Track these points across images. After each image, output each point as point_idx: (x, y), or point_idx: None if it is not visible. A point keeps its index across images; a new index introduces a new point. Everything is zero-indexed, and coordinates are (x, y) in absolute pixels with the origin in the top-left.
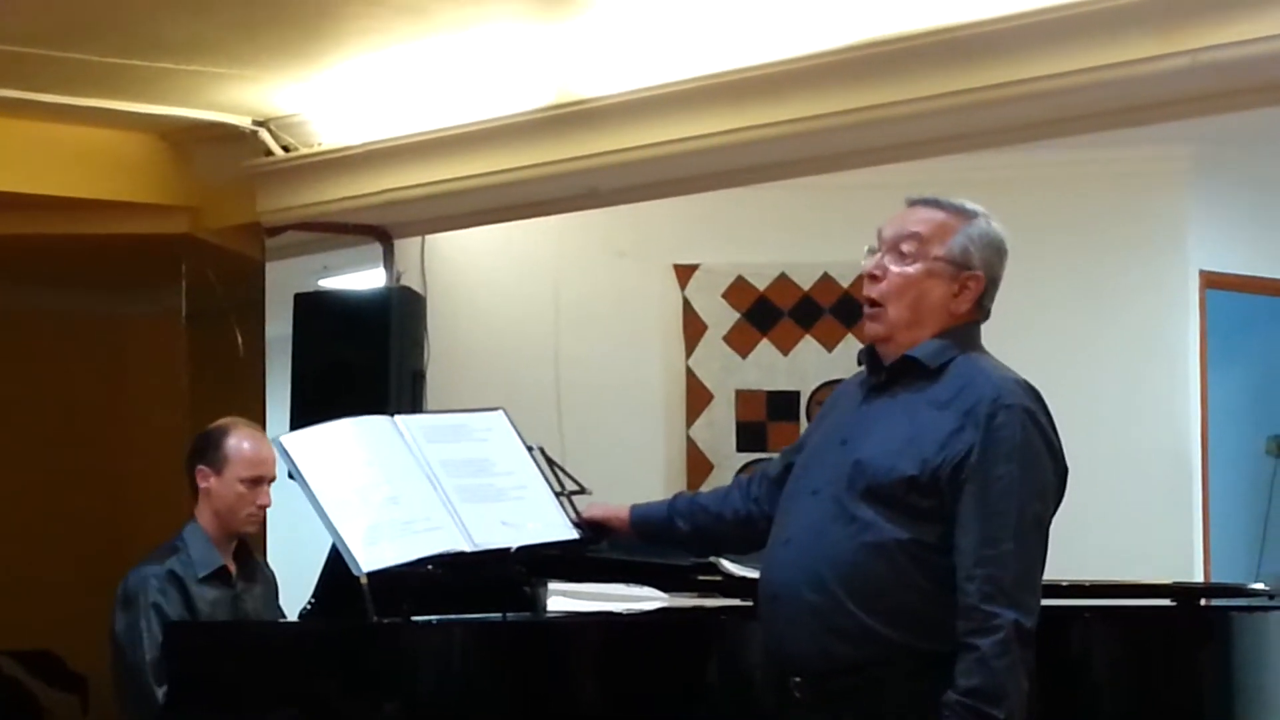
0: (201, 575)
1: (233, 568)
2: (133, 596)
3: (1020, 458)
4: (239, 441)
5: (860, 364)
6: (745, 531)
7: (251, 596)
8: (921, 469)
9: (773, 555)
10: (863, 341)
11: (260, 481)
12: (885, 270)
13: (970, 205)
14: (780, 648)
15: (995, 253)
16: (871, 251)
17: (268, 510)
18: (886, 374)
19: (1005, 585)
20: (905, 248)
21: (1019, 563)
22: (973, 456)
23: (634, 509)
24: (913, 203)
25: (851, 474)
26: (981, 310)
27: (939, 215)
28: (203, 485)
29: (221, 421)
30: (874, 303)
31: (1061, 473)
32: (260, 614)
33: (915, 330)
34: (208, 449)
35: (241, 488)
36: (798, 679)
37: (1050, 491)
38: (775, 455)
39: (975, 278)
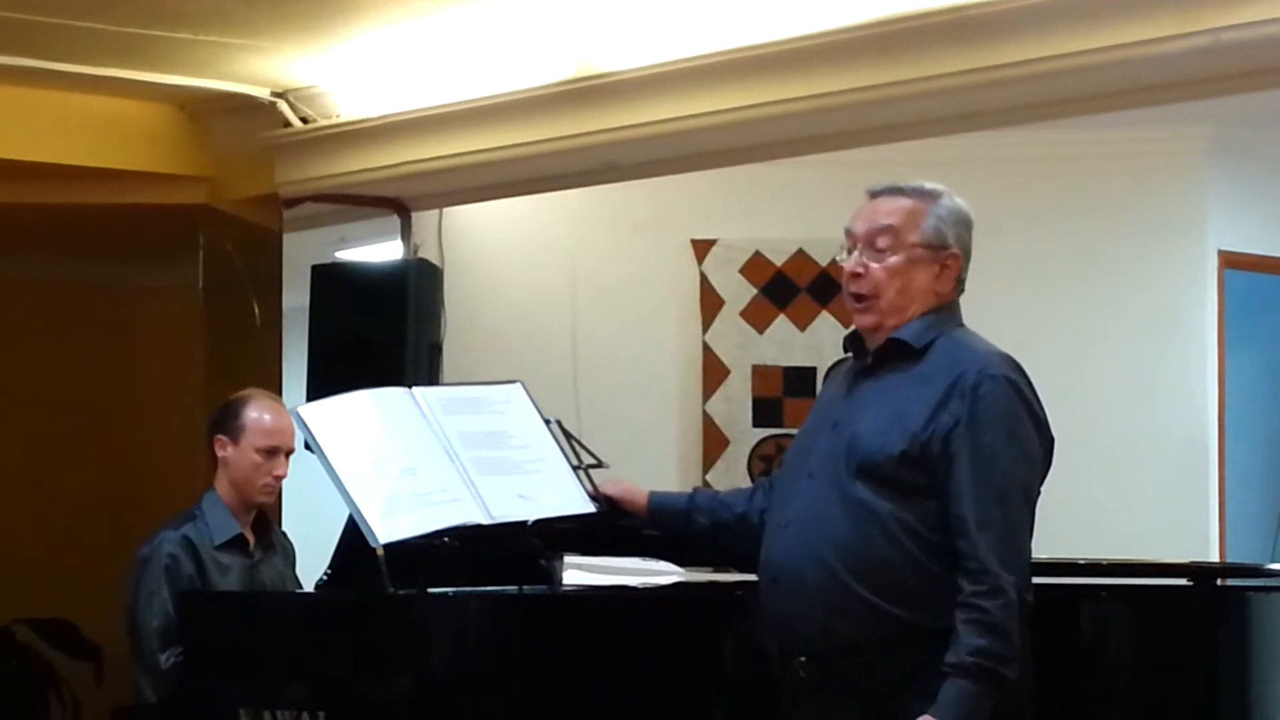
0: (218, 543)
1: (251, 537)
2: (146, 561)
3: (1007, 426)
4: (257, 412)
5: (845, 350)
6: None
7: (269, 567)
8: (910, 443)
9: (772, 538)
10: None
11: (276, 452)
12: (867, 267)
13: (930, 185)
14: (783, 628)
15: (965, 227)
16: (846, 250)
17: (284, 481)
18: (873, 357)
19: (1003, 550)
20: (881, 242)
21: (1009, 529)
22: (960, 427)
23: (653, 495)
24: (874, 194)
25: (845, 455)
26: (959, 285)
27: (906, 202)
28: (220, 454)
29: (242, 392)
30: (858, 297)
31: (1047, 443)
32: (277, 585)
33: (902, 315)
34: (226, 419)
35: (258, 458)
36: (803, 659)
37: (1036, 460)
38: (792, 431)
39: (953, 256)
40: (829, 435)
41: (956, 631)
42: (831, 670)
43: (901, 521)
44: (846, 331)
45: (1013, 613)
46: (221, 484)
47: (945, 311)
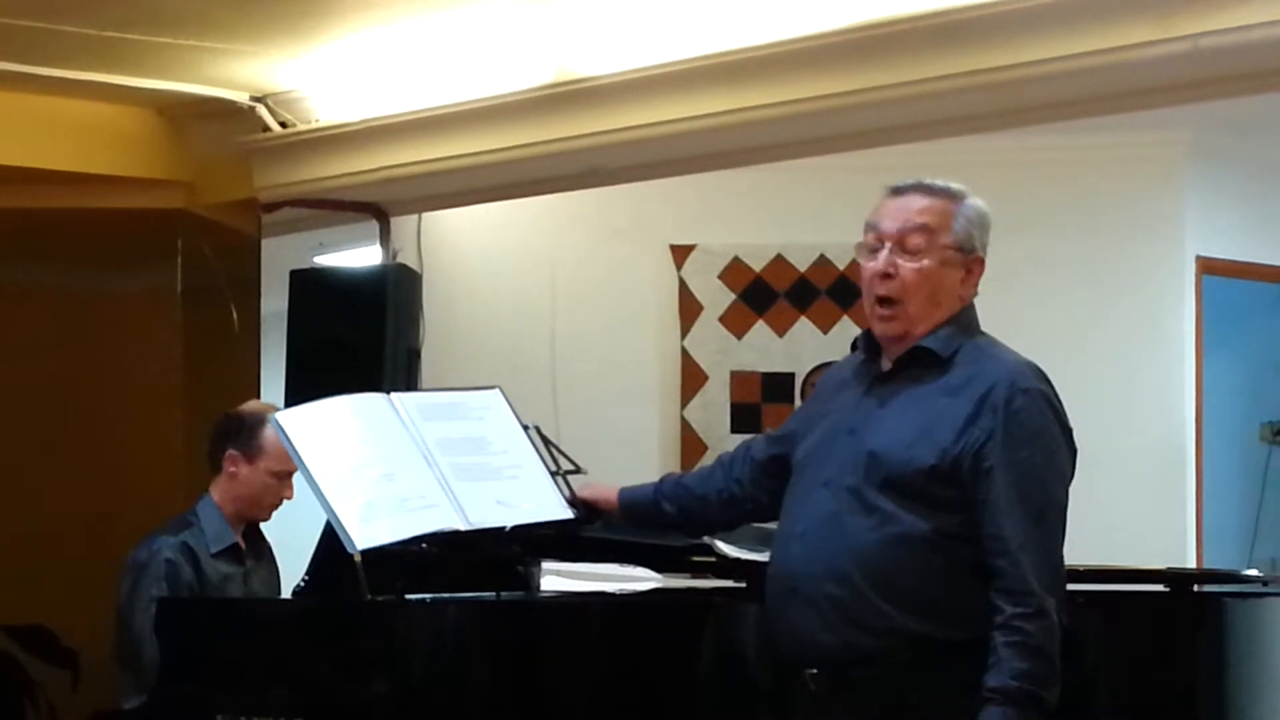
0: (215, 551)
1: (243, 545)
2: (141, 566)
3: (1043, 443)
4: (275, 432)
5: (854, 349)
6: (728, 511)
7: (259, 574)
8: (941, 458)
9: (785, 548)
10: (861, 327)
11: (289, 475)
12: (898, 267)
13: (954, 185)
14: (796, 640)
15: (987, 230)
16: (870, 249)
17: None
18: (895, 364)
19: (1043, 571)
20: (913, 242)
21: (1048, 550)
22: (993, 442)
23: (622, 492)
24: (899, 190)
25: (867, 465)
26: (976, 290)
27: (936, 202)
28: (230, 469)
29: (255, 407)
30: (885, 300)
31: (1073, 454)
32: (269, 592)
33: (929, 322)
34: (241, 434)
35: (271, 480)
36: (813, 671)
37: (1068, 474)
38: None
39: (978, 260)
40: (844, 443)
41: (997, 654)
42: (845, 682)
43: (925, 535)
44: (849, 331)
45: (1054, 635)
46: (223, 495)
47: (967, 317)
